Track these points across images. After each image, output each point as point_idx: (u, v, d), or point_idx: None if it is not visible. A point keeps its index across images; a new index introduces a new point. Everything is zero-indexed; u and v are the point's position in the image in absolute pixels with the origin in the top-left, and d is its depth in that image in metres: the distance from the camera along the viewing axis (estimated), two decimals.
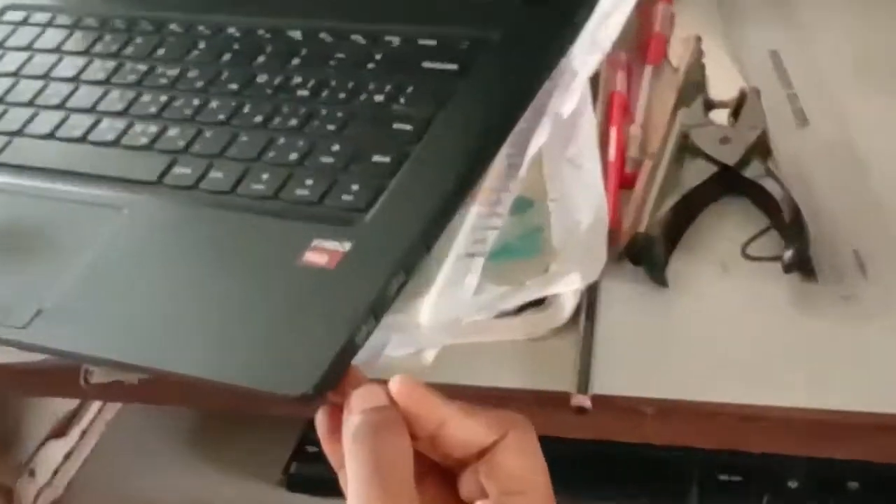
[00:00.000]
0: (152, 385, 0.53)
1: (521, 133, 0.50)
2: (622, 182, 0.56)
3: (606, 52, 0.51)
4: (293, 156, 0.49)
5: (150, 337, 0.42)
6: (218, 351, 0.41)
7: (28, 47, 0.59)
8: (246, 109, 0.52)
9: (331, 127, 0.50)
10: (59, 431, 0.84)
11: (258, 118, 0.52)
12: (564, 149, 0.51)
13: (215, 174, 0.50)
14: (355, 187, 0.46)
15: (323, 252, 0.43)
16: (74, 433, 0.85)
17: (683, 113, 0.58)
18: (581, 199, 0.51)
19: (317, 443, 0.40)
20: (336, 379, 0.39)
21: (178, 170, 0.50)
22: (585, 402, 0.48)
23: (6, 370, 0.52)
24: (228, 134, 0.51)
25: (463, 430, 0.38)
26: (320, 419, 0.40)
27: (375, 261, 0.43)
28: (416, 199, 0.45)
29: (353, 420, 0.37)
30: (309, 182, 0.47)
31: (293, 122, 0.51)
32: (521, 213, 0.51)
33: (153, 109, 0.54)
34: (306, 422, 0.51)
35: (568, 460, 0.61)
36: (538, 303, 0.50)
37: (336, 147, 0.49)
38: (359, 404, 0.38)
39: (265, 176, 0.48)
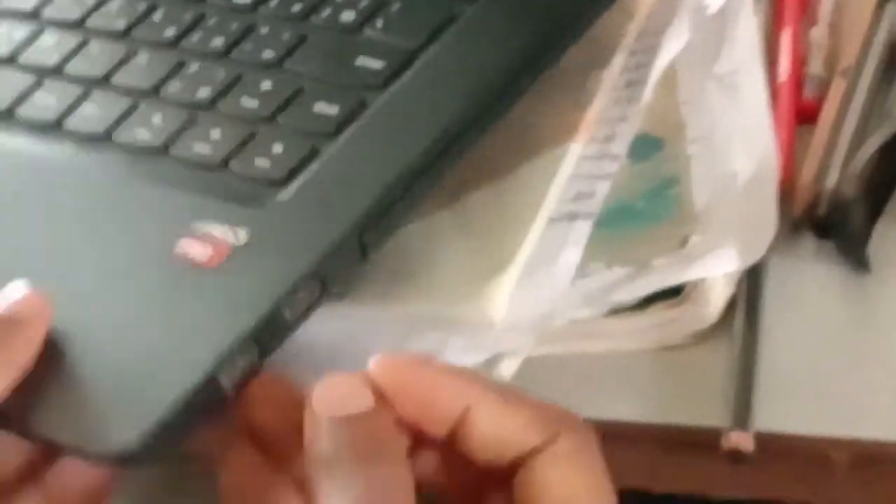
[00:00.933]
0: None
1: (645, 36, 0.49)
2: (800, 113, 0.56)
3: None
4: (204, 92, 0.49)
5: None
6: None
7: None
8: (156, 17, 0.52)
9: (268, 54, 0.50)
10: None
11: (169, 31, 0.52)
12: (711, 62, 0.51)
13: (89, 109, 0.50)
14: (277, 148, 0.46)
15: (206, 242, 0.43)
16: None
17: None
18: (736, 139, 0.50)
19: None
20: (183, 435, 0.39)
21: (39, 97, 0.51)
22: (745, 442, 0.47)
23: None
24: (122, 50, 0.51)
25: (496, 422, 0.38)
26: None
27: (277, 263, 0.42)
28: (361, 175, 0.45)
29: (320, 444, 0.37)
30: (215, 134, 0.47)
31: (217, 41, 0.51)
32: (645, 159, 0.51)
33: (28, 4, 0.54)
34: None
35: None
36: (672, 293, 0.50)
37: (267, 85, 0.48)
38: (329, 410, 0.37)
39: (156, 118, 0.49)
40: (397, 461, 0.37)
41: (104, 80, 0.50)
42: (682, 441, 0.48)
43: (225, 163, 0.46)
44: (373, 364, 0.38)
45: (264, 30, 0.50)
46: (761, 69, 0.52)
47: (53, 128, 0.50)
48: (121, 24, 0.52)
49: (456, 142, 0.45)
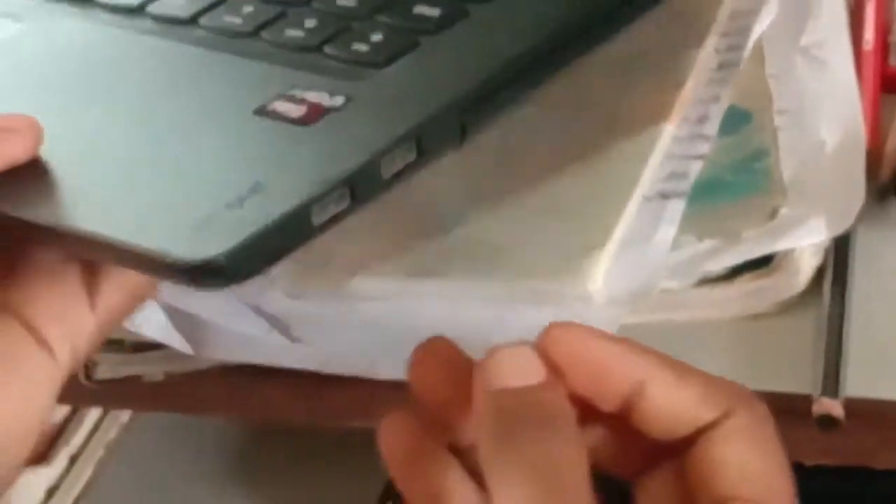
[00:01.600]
0: (185, 385, 0.53)
1: (737, 17, 0.49)
2: (885, 82, 0.56)
3: None
4: None
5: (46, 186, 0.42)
6: (115, 203, 0.41)
7: None
8: None
9: None
10: (39, 456, 0.82)
11: None
12: (797, 34, 0.51)
13: None
14: (376, 37, 0.46)
15: (301, 104, 0.43)
16: (61, 459, 0.83)
17: None
18: (824, 110, 0.50)
19: None
20: (269, 260, 0.38)
21: None
22: (835, 408, 0.47)
23: None
24: None
25: (670, 396, 0.36)
26: (392, 430, 0.38)
27: (375, 124, 0.42)
28: (464, 61, 0.45)
29: (490, 415, 0.36)
30: (310, 23, 0.47)
31: None
32: (734, 132, 0.50)
33: None
34: None
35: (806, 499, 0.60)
36: (761, 263, 0.50)
37: None
38: (499, 381, 0.36)
39: (247, 9, 0.49)
40: (569, 435, 0.35)
41: None
42: (771, 408, 0.46)
43: (319, 46, 0.46)
44: (544, 335, 0.36)
45: None
46: (847, 39, 0.51)
47: (135, 11, 0.49)
48: None
49: (560, 49, 0.45)
